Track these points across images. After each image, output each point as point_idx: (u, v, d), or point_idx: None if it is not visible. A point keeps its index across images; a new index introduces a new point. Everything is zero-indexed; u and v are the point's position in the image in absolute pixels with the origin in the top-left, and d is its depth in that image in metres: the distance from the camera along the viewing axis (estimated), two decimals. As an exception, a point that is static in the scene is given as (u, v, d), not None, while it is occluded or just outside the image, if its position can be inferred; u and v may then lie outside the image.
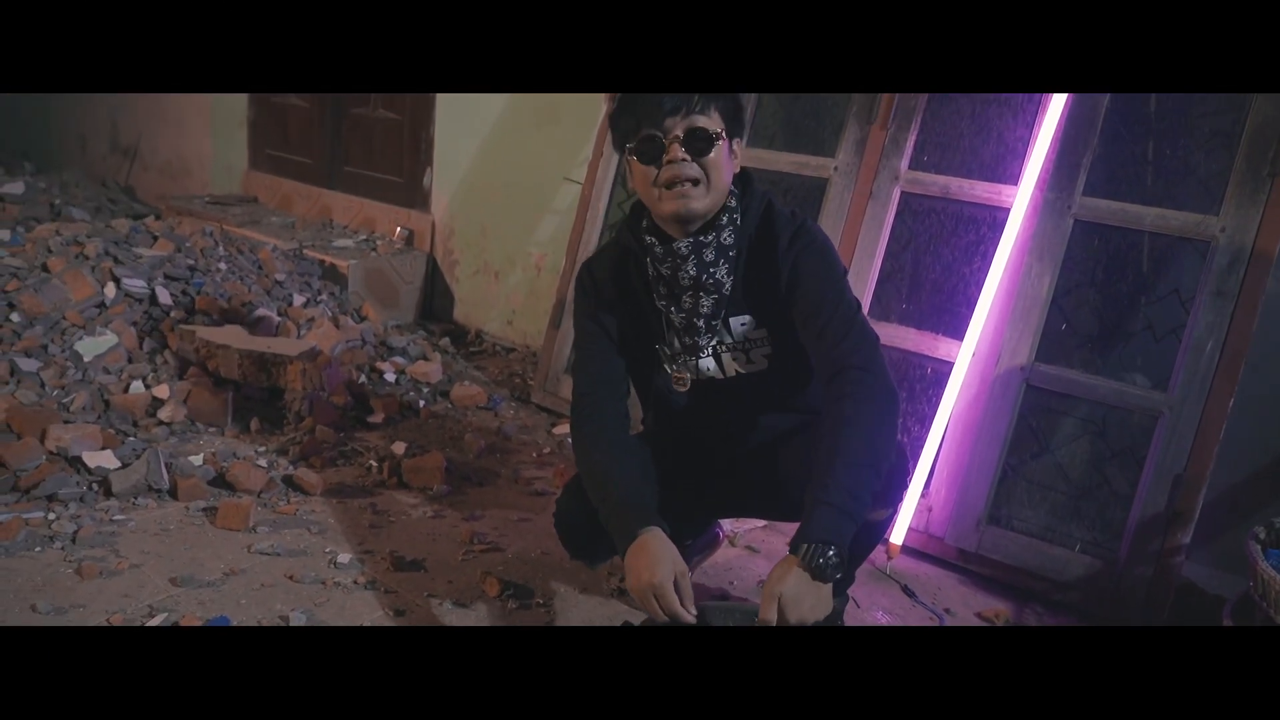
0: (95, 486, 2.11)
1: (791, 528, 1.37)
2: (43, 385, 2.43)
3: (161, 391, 2.50)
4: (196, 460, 2.26)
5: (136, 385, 2.51)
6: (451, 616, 1.77)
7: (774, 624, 1.30)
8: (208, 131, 4.79)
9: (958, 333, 2.20)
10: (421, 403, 2.85)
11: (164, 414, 2.46)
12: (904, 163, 2.32)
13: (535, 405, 2.96)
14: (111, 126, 5.41)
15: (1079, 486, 2.10)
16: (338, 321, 3.10)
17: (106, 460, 2.16)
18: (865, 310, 2.29)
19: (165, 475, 2.13)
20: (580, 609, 1.85)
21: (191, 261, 3.03)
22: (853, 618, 1.91)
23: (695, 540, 1.96)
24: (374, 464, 2.40)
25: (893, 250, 2.35)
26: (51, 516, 1.97)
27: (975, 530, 2.14)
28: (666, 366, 1.62)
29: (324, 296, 3.27)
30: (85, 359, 2.55)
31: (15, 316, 2.59)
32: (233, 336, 2.67)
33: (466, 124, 3.60)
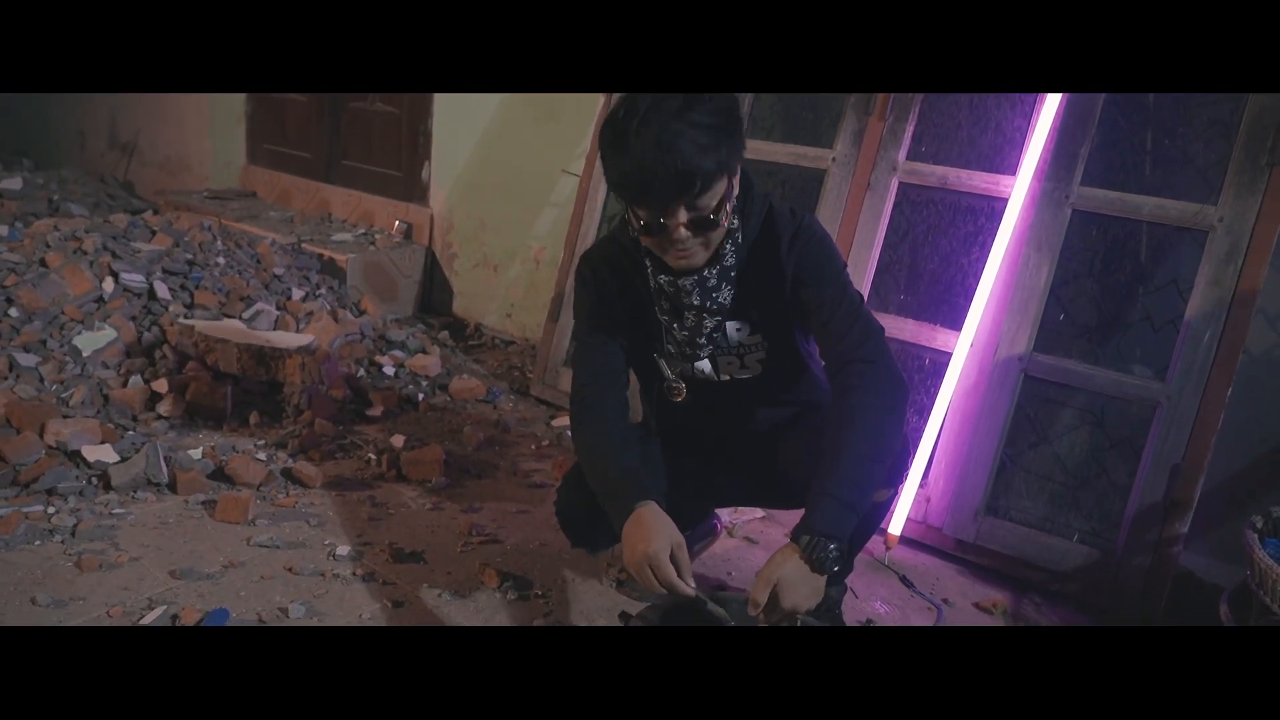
0: (94, 480, 2.11)
1: (789, 518, 1.38)
2: (42, 380, 2.44)
3: (160, 386, 2.50)
4: (196, 454, 2.27)
5: (135, 380, 2.52)
6: (450, 607, 1.78)
7: (763, 605, 1.32)
8: (206, 127, 4.79)
9: (956, 323, 2.20)
10: (420, 396, 2.85)
11: (163, 408, 2.46)
12: (902, 153, 2.32)
13: (534, 398, 2.96)
14: (110, 122, 5.40)
15: (1077, 477, 2.11)
16: (336, 315, 3.10)
17: (106, 454, 2.17)
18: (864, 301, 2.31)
19: (164, 469, 2.14)
20: (579, 600, 1.85)
21: (190, 256, 3.03)
22: (851, 608, 1.91)
23: (694, 531, 1.97)
24: (373, 457, 2.40)
25: (891, 241, 2.34)
26: (51, 510, 1.97)
27: (973, 520, 2.14)
28: (664, 370, 1.62)
29: (323, 290, 3.27)
30: (84, 354, 2.55)
31: (14, 311, 2.59)
32: (231, 331, 2.68)
33: (464, 118, 3.59)
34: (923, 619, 1.92)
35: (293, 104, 4.31)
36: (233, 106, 4.58)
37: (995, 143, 2.23)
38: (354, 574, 1.86)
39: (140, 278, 2.81)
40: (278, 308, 3.01)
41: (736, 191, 1.42)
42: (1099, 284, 2.13)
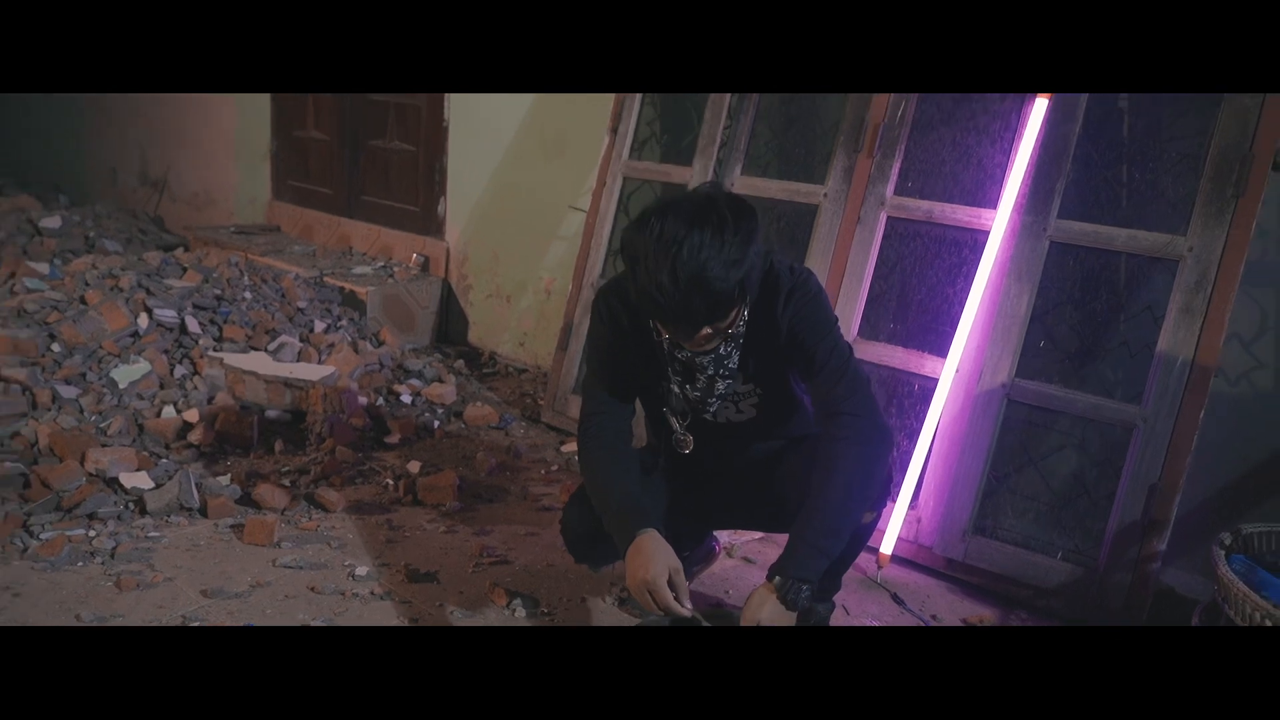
0: (131, 505, 2.25)
1: (785, 539, 1.54)
2: (82, 411, 2.59)
3: (191, 415, 2.65)
4: (224, 480, 2.41)
5: (168, 410, 2.67)
6: (461, 622, 1.89)
7: None
8: (233, 164, 4.99)
9: (943, 351, 2.30)
10: (436, 423, 2.98)
11: (193, 436, 2.61)
12: (889, 189, 2.43)
13: (545, 424, 3.09)
14: (141, 159, 5.63)
15: (1060, 496, 2.20)
16: (357, 346, 3.24)
17: (141, 481, 2.31)
18: (856, 330, 2.43)
19: (196, 495, 2.28)
20: (583, 617, 1.96)
21: (218, 291, 3.19)
22: (844, 624, 2.00)
23: (692, 553, 2.07)
24: (390, 482, 2.53)
25: (880, 272, 2.46)
26: (92, 534, 2.12)
27: (961, 540, 2.23)
28: (673, 425, 1.74)
29: (344, 322, 3.42)
30: (120, 385, 2.71)
31: (56, 346, 2.76)
32: (257, 363, 2.83)
33: (477, 155, 3.76)
34: (911, 634, 2.01)
35: (315, 142, 4.50)
36: (258, 144, 4.78)
37: (977, 178, 2.35)
38: (372, 593, 1.99)
39: (173, 313, 2.97)
40: (301, 340, 3.16)
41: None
42: (1078, 312, 2.23)
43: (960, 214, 2.33)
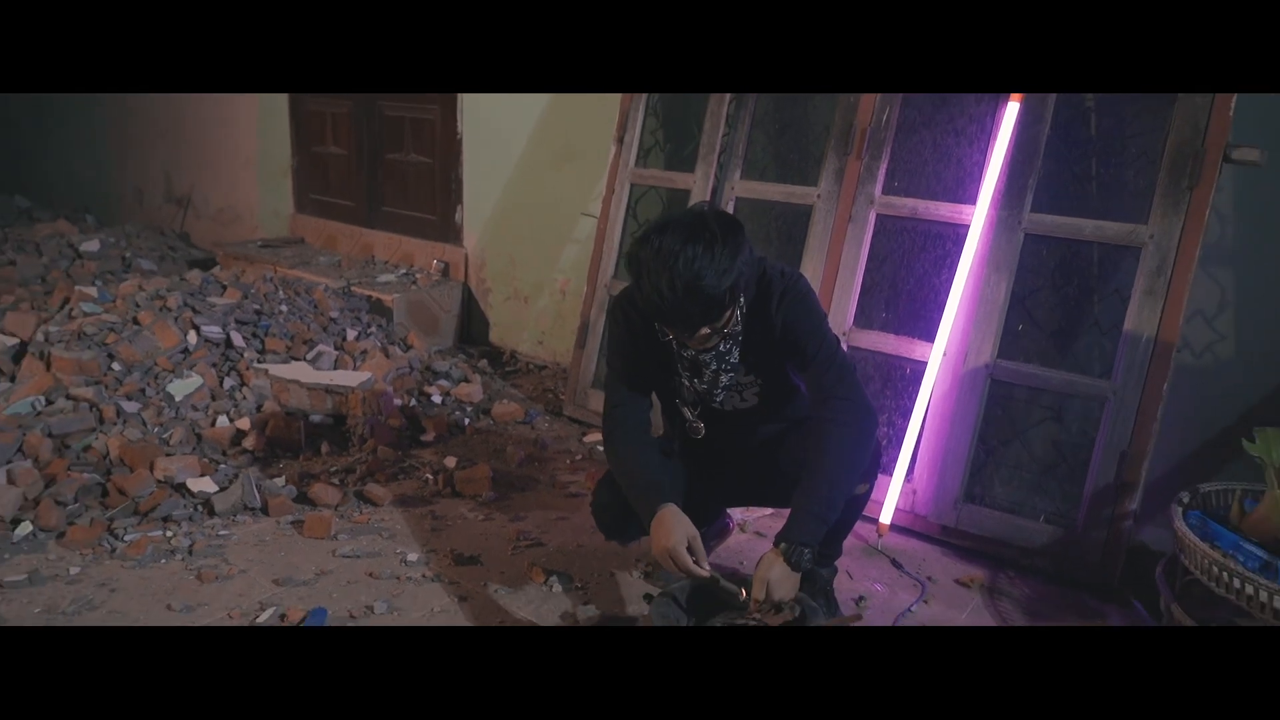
0: (200, 508, 2.49)
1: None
2: (144, 424, 2.83)
3: (244, 423, 2.89)
4: (280, 481, 2.65)
5: (222, 419, 2.90)
6: (506, 599, 2.13)
7: (762, 599, 1.70)
8: (255, 180, 5.22)
9: (931, 336, 2.51)
10: (466, 421, 3.21)
11: (247, 443, 2.85)
12: (877, 188, 2.64)
13: (567, 417, 3.32)
14: (165, 178, 5.87)
15: (1041, 465, 2.41)
16: (387, 351, 3.47)
17: (207, 485, 2.55)
18: (852, 320, 2.64)
19: (258, 495, 2.52)
20: (613, 589, 2.20)
21: (257, 306, 3.42)
22: (848, 587, 2.23)
23: (709, 528, 2.30)
24: (430, 477, 2.77)
25: (872, 266, 2.66)
26: (169, 534, 2.36)
27: (954, 508, 2.45)
28: (686, 414, 1.97)
29: (373, 329, 3.65)
30: (176, 399, 2.94)
31: (115, 365, 3.00)
32: (299, 372, 3.06)
33: (491, 165, 3.97)
34: (910, 594, 2.24)
35: (334, 157, 4.73)
36: (279, 160, 5.01)
37: (957, 176, 2.55)
38: (424, 576, 2.22)
39: (218, 329, 3.21)
40: (336, 348, 3.39)
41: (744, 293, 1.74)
42: (1053, 296, 2.43)
43: (943, 210, 2.54)
